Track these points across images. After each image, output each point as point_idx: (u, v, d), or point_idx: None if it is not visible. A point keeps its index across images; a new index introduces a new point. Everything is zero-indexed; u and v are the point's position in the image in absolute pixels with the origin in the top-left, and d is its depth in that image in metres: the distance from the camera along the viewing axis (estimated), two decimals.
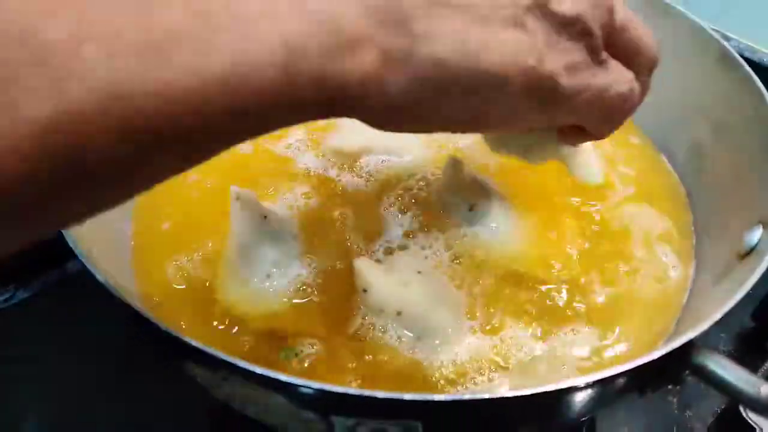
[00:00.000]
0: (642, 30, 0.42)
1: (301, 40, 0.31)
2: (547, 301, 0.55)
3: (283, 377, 0.37)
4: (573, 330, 0.54)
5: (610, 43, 0.41)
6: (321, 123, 0.69)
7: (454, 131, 0.42)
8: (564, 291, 0.56)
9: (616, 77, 0.41)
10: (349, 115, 0.35)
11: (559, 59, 0.38)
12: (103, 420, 0.62)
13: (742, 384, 0.39)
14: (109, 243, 0.55)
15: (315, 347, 0.52)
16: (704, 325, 0.41)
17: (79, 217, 0.31)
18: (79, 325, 0.68)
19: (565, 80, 0.39)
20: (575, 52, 0.39)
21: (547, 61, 0.37)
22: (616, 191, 0.65)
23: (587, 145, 0.64)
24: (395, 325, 0.52)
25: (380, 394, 0.37)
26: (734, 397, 0.39)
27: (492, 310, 0.54)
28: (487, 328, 0.53)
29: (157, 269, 0.57)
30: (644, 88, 0.44)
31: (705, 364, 0.40)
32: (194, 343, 0.39)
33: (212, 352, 0.39)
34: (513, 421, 0.42)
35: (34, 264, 0.71)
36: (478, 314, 0.54)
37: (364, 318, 0.53)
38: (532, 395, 0.37)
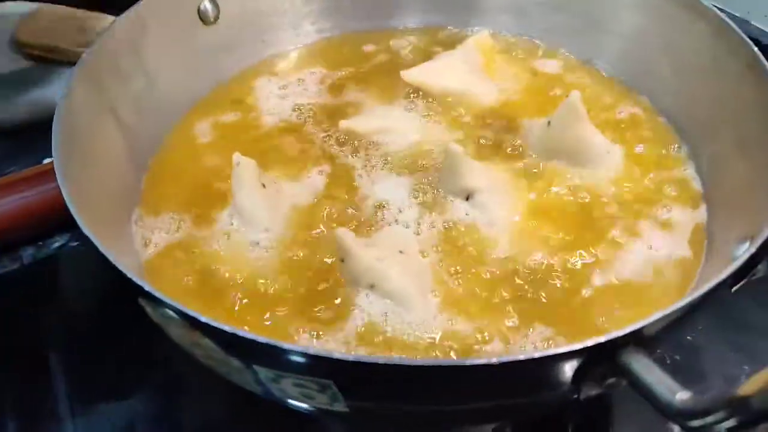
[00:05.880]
0: None
1: None
2: (530, 292, 0.55)
3: (202, 318, 0.39)
4: (549, 325, 0.53)
5: None
6: (333, 102, 0.72)
7: None
8: (550, 283, 0.55)
9: None
10: None
11: None
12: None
13: (660, 388, 0.37)
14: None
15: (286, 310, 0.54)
16: (637, 325, 0.39)
17: None
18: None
19: None
20: None
21: None
22: (623, 186, 0.62)
23: (601, 140, 0.63)
24: (368, 296, 0.54)
25: (286, 345, 0.38)
26: (649, 400, 0.37)
27: (472, 298, 0.54)
28: (459, 316, 0.53)
29: (155, 222, 0.61)
30: None
31: (629, 364, 0.38)
32: (145, 285, 0.42)
33: (156, 293, 0.41)
34: (425, 391, 0.41)
35: None
36: (453, 299, 0.54)
37: (340, 285, 0.55)
38: (437, 366, 0.38)
